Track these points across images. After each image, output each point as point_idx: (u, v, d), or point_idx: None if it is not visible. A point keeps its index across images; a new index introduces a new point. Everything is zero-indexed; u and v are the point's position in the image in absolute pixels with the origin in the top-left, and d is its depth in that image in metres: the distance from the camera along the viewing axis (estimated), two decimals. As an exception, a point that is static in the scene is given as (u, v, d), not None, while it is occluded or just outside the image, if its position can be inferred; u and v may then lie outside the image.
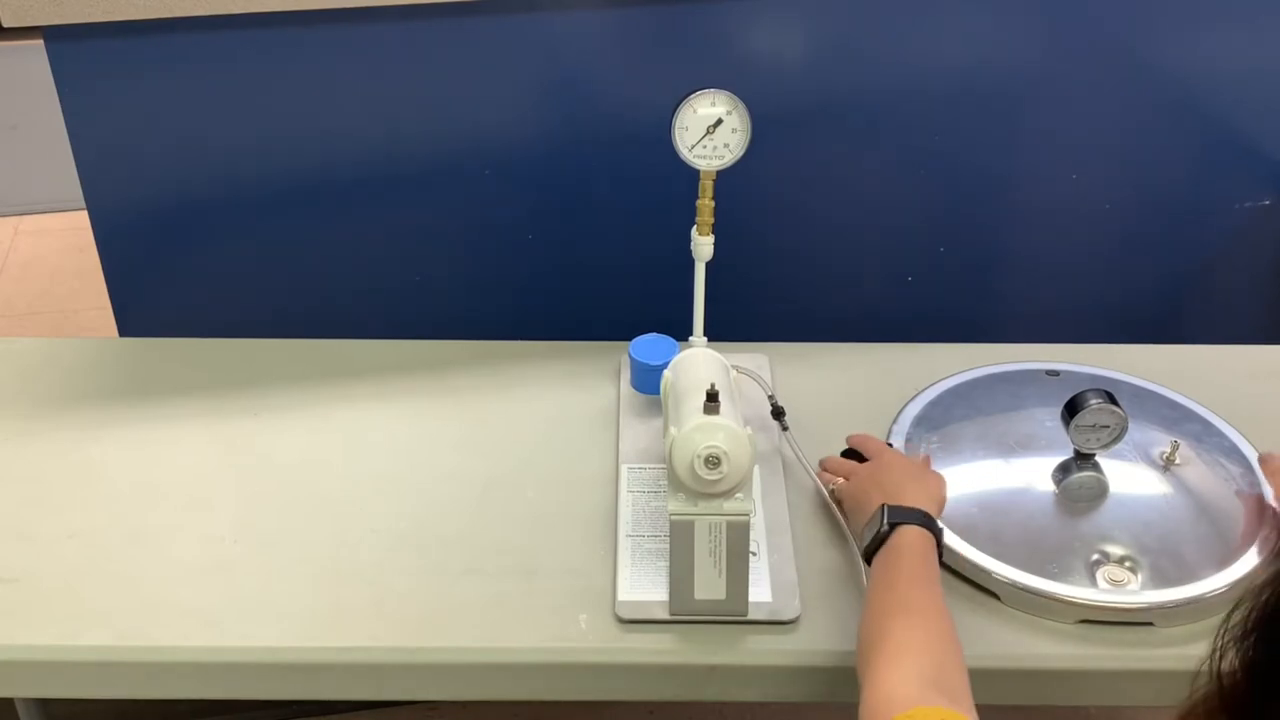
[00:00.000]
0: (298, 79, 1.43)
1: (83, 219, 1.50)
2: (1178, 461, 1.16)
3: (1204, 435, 1.21)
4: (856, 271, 1.65)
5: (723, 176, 1.01)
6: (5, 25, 1.31)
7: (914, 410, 1.25)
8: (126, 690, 1.06)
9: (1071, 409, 1.12)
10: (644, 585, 1.06)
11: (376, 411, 1.30)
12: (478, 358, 1.38)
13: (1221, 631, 0.67)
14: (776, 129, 1.45)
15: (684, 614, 1.03)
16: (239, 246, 1.55)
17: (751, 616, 1.03)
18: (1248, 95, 1.56)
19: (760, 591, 1.05)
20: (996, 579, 1.06)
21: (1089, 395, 1.12)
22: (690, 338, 1.22)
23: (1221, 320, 1.75)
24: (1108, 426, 1.12)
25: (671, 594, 1.03)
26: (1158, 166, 1.61)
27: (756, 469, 1.15)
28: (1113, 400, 1.12)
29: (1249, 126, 1.59)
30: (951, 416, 1.24)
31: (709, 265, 1.07)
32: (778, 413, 1.24)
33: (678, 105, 0.98)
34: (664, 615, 1.03)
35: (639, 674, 1.04)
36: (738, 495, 0.98)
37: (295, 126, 1.47)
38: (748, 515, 0.99)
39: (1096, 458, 1.15)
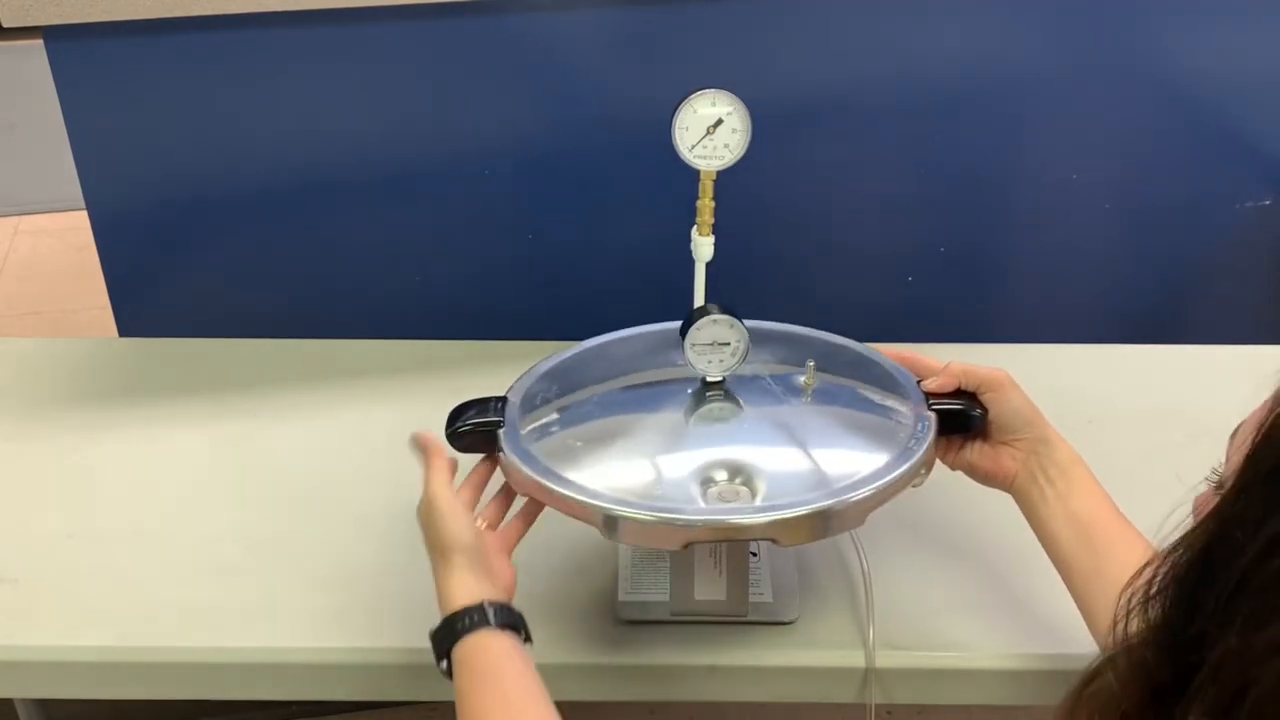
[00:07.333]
0: (297, 79, 1.43)
1: (83, 219, 1.50)
2: (816, 384, 1.02)
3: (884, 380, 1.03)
4: (856, 271, 1.65)
5: (723, 176, 1.00)
6: (5, 25, 1.31)
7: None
8: (126, 690, 1.05)
9: (686, 328, 0.98)
10: (644, 585, 1.06)
11: (376, 411, 1.30)
12: (477, 358, 1.38)
13: (1128, 595, 0.64)
14: (776, 129, 1.45)
15: (684, 614, 1.03)
16: (239, 246, 1.55)
17: (751, 617, 1.03)
18: (1248, 95, 1.56)
19: (760, 592, 1.05)
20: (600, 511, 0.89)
21: (705, 309, 0.99)
22: (690, 338, 1.21)
23: (1221, 320, 1.75)
24: (728, 344, 0.99)
25: (672, 594, 1.03)
26: (1157, 167, 1.61)
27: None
28: (730, 313, 0.98)
29: (1249, 126, 1.59)
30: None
31: (709, 265, 1.06)
32: (778, 413, 1.23)
33: (678, 105, 0.98)
34: (664, 615, 1.03)
35: (639, 674, 1.03)
36: (738, 495, 0.98)
37: (295, 126, 1.47)
38: (748, 515, 0.99)
39: (727, 384, 1.01)
